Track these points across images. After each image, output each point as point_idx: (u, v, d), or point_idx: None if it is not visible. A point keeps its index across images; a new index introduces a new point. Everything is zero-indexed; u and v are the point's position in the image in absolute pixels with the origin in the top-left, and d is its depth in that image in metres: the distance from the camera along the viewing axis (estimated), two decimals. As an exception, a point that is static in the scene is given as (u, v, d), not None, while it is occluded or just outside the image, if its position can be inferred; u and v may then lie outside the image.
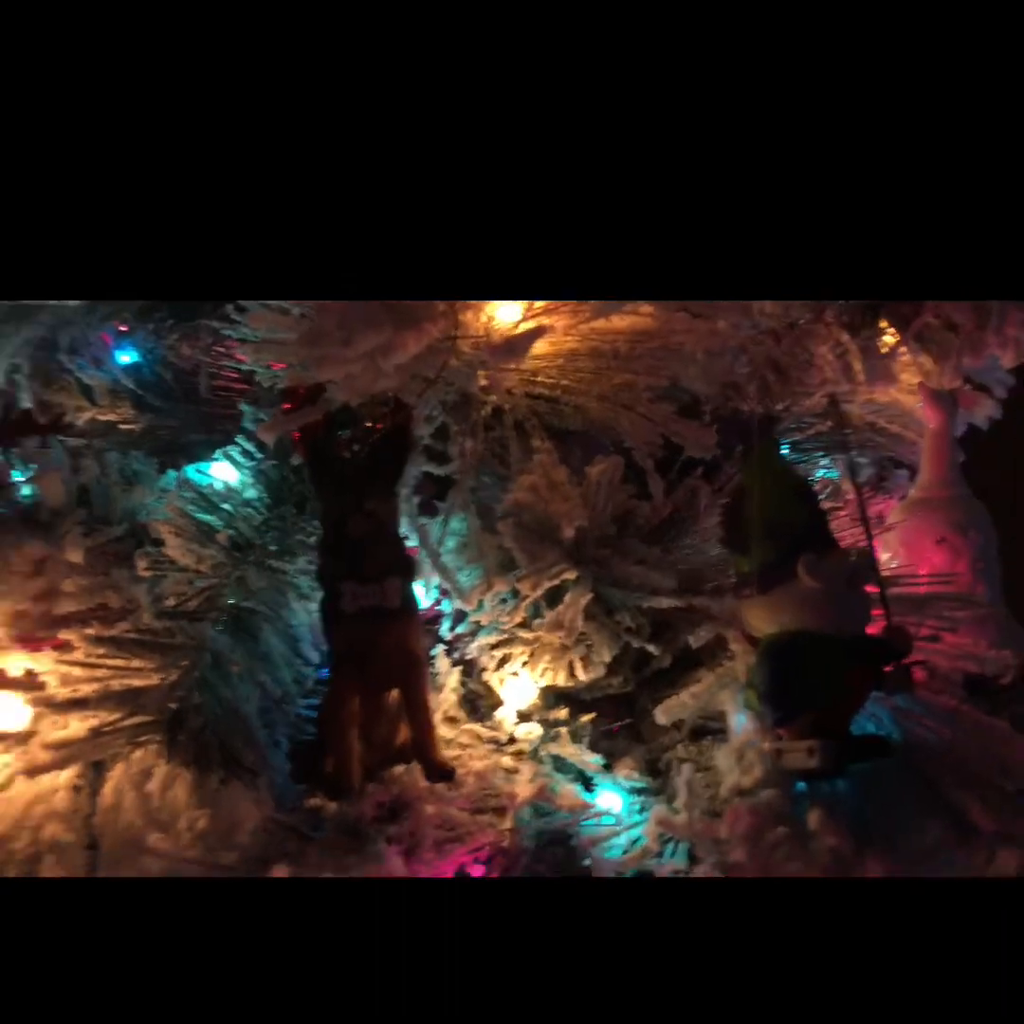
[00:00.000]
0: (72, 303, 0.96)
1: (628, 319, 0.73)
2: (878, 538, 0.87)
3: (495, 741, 0.78)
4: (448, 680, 0.80)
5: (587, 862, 0.72)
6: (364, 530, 0.67)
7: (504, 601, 0.77)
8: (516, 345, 0.67)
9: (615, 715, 0.83)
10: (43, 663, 0.70)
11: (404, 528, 0.74)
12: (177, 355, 1.09)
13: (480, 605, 0.76)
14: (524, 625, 0.76)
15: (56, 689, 0.67)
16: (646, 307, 0.72)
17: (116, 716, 0.67)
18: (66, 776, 0.67)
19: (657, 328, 0.72)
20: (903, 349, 0.93)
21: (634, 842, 0.73)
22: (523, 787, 0.71)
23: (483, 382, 0.74)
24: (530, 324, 0.73)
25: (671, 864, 0.69)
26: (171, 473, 0.88)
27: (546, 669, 0.77)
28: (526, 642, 0.78)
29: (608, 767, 0.78)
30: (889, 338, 0.92)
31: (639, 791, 0.76)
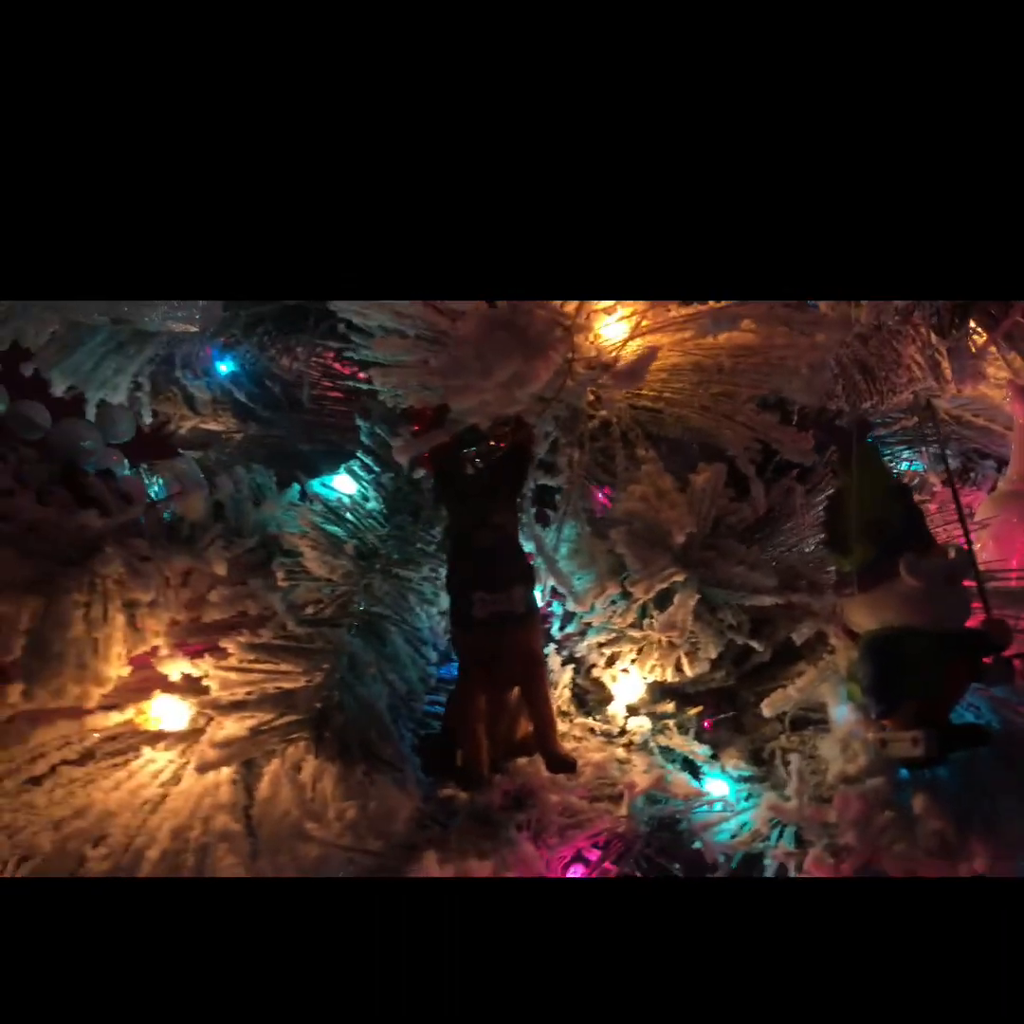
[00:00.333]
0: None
1: (729, 334, 0.77)
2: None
3: (607, 734, 0.84)
4: (561, 677, 0.85)
5: (697, 845, 0.77)
6: (491, 541, 0.73)
7: (613, 603, 0.82)
8: (638, 370, 0.71)
9: (717, 707, 0.88)
10: (201, 669, 0.77)
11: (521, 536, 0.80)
12: (279, 366, 1.15)
13: (592, 607, 0.81)
14: (633, 625, 0.81)
15: (218, 693, 0.73)
16: (747, 323, 0.75)
17: (270, 716, 0.74)
18: (226, 771, 0.74)
19: (759, 343, 0.76)
20: (992, 348, 0.95)
21: (742, 826, 0.78)
22: (639, 776, 0.76)
23: (590, 397, 0.79)
24: (636, 342, 0.77)
25: (781, 846, 0.73)
26: (296, 487, 0.94)
27: (654, 666, 0.81)
28: (634, 641, 0.83)
29: (714, 757, 0.83)
30: (977, 337, 0.94)
31: (745, 779, 0.81)
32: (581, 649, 0.86)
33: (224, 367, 1.19)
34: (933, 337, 0.97)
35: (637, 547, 0.75)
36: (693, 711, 0.84)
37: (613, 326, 0.79)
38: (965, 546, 0.76)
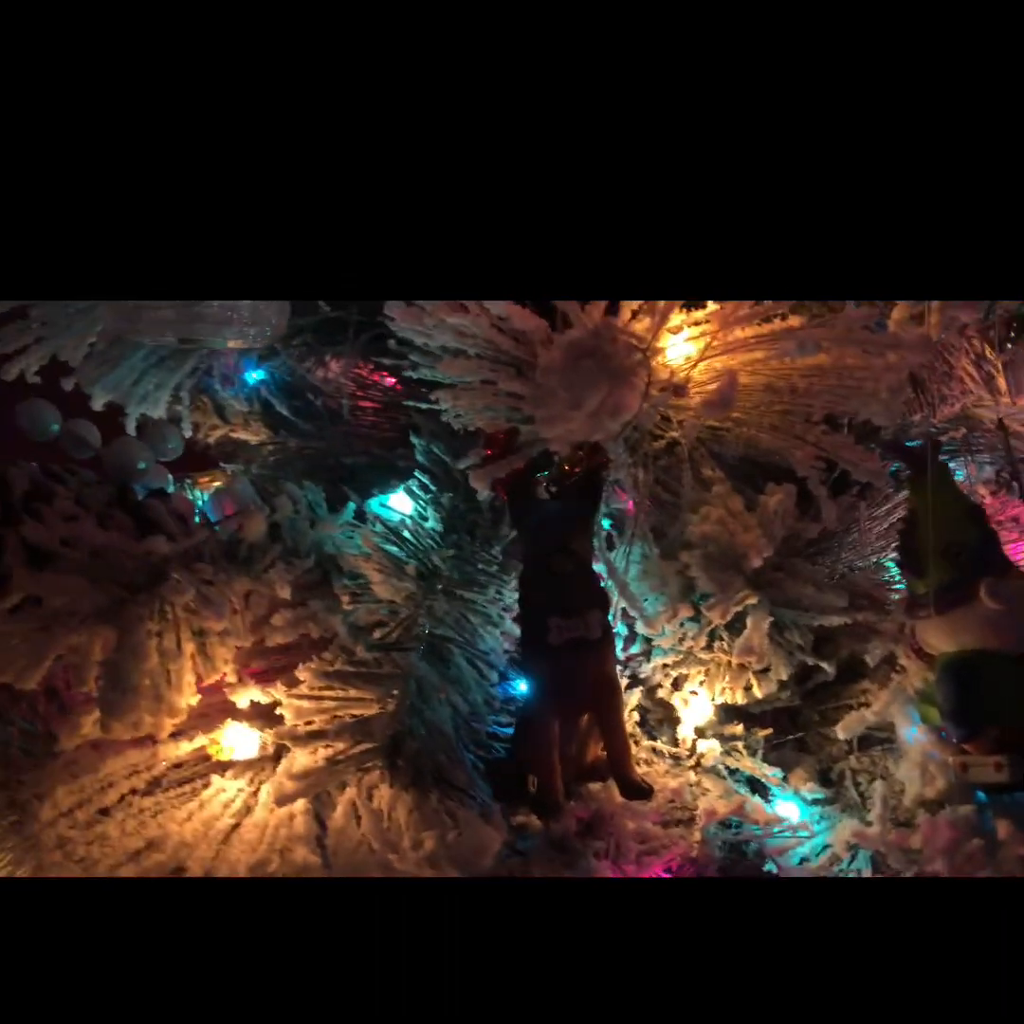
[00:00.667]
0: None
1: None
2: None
3: (675, 757, 0.83)
4: (629, 699, 0.84)
5: (769, 868, 0.77)
6: (567, 567, 0.72)
7: (682, 625, 0.81)
8: (728, 398, 0.70)
9: (780, 728, 0.87)
10: (272, 696, 0.76)
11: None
12: (316, 378, 1.14)
13: (663, 630, 0.81)
14: (704, 647, 0.80)
15: (292, 721, 0.72)
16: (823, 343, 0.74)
17: (345, 745, 0.73)
18: (300, 801, 0.73)
19: (832, 364, 0.75)
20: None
21: (817, 851, 0.77)
22: (716, 802, 0.76)
23: (657, 417, 0.79)
24: (702, 364, 0.77)
25: (857, 873, 0.73)
26: (351, 506, 0.93)
27: (725, 688, 0.81)
28: (702, 663, 0.82)
29: (784, 779, 0.82)
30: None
31: (816, 802, 0.81)
32: (645, 670, 0.85)
33: (257, 377, 1.18)
34: (988, 350, 0.97)
35: (713, 570, 0.75)
36: (762, 732, 0.83)
37: (680, 346, 0.78)
38: (1040, 566, 0.76)
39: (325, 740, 0.72)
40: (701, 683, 0.82)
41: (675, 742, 0.84)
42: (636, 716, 0.84)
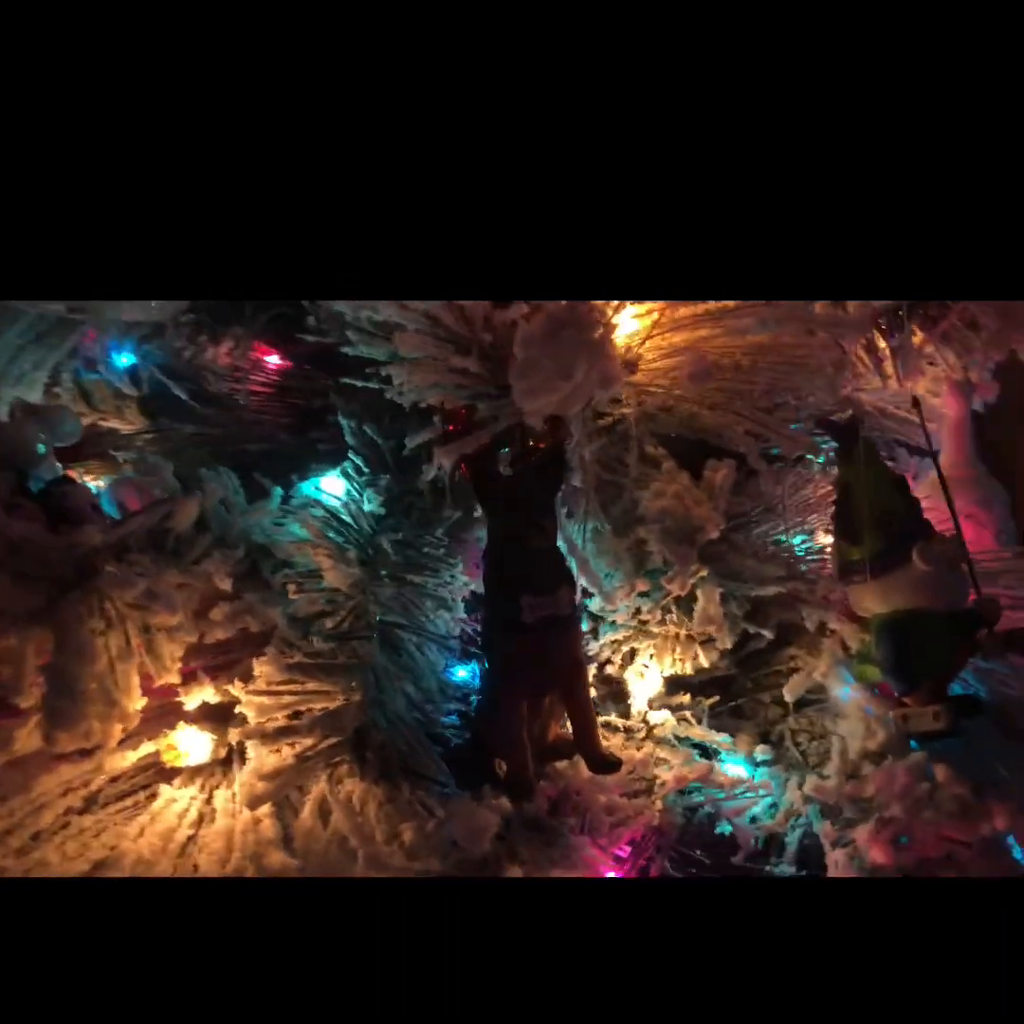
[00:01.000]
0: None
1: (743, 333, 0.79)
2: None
3: (628, 730, 0.84)
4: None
5: (728, 830, 0.79)
6: (540, 544, 0.71)
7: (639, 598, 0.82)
8: (706, 370, 0.71)
9: (718, 696, 0.90)
10: (227, 695, 0.71)
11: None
12: (211, 360, 1.07)
13: (619, 606, 0.81)
14: (658, 622, 0.82)
15: (256, 719, 0.68)
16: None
17: (314, 740, 0.69)
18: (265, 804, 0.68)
19: (773, 342, 0.78)
20: (929, 347, 1.03)
21: (770, 809, 0.81)
22: (682, 769, 0.77)
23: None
24: (649, 342, 0.78)
25: (826, 826, 0.76)
26: (277, 490, 0.88)
27: (676, 660, 0.83)
28: (651, 636, 0.84)
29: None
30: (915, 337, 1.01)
31: (764, 763, 0.84)
32: (594, 648, 0.86)
33: (128, 360, 1.09)
34: (879, 337, 1.04)
35: (671, 544, 0.76)
36: (708, 701, 0.86)
37: (628, 323, 0.79)
38: (953, 531, 0.82)
39: (295, 736, 0.68)
40: (651, 656, 0.84)
41: (625, 715, 0.85)
42: (593, 693, 0.84)
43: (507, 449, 0.76)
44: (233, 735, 0.69)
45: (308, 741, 0.69)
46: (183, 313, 1.01)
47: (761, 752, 0.84)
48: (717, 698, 0.86)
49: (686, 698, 0.86)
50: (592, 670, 0.85)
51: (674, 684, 0.88)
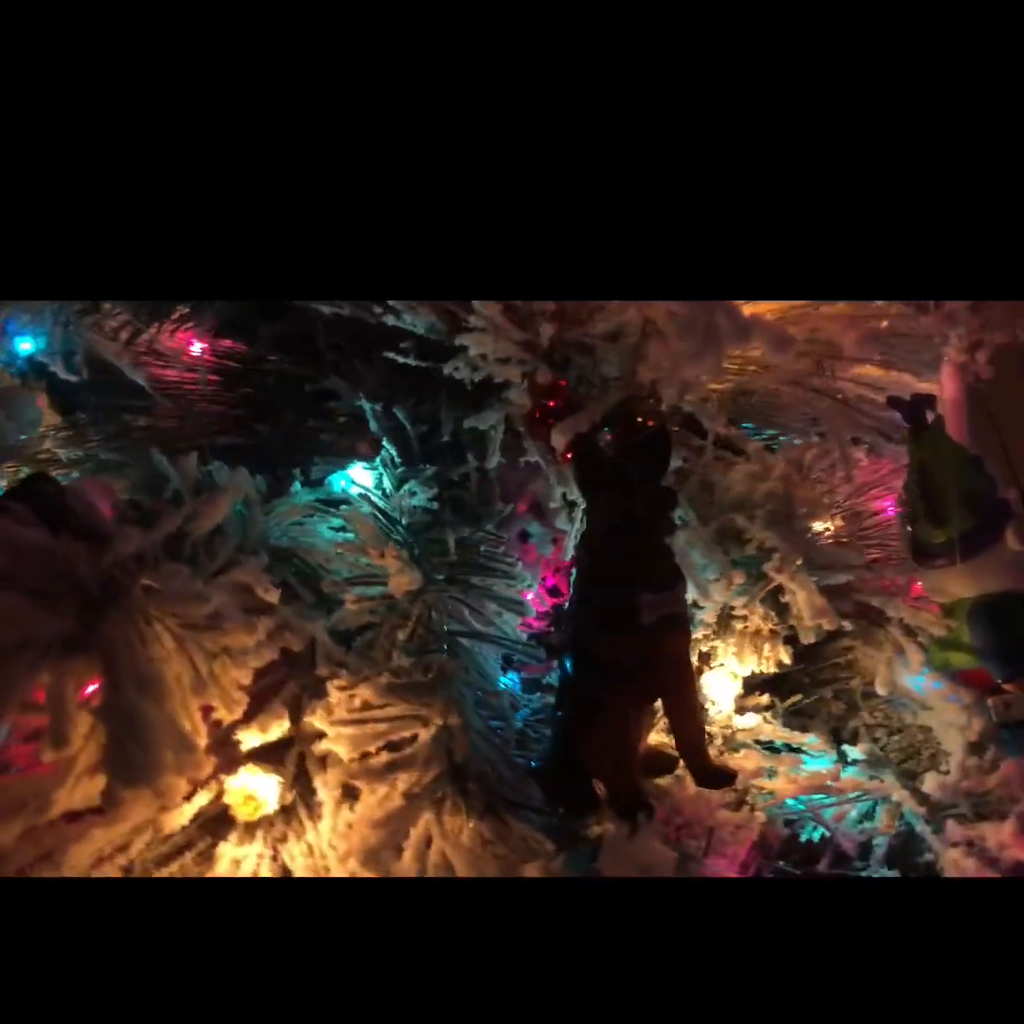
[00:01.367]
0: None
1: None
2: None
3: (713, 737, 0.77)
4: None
5: (828, 835, 0.73)
6: (658, 534, 0.63)
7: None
8: (786, 337, 0.64)
9: (779, 694, 0.84)
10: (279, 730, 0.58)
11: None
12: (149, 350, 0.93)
13: (717, 601, 0.74)
14: (744, 616, 0.75)
15: (349, 754, 0.55)
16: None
17: (417, 773, 0.57)
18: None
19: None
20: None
21: (865, 813, 0.75)
22: (779, 781, 0.71)
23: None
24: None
25: (950, 826, 0.70)
26: (297, 486, 0.75)
27: (763, 658, 0.76)
28: (732, 633, 0.77)
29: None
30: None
31: (856, 762, 0.78)
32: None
33: (33, 346, 0.93)
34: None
35: (779, 530, 0.70)
36: (791, 701, 0.79)
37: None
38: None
39: (401, 770, 0.56)
40: (733, 654, 0.77)
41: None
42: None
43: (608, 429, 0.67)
44: (332, 776, 0.56)
45: (411, 775, 0.57)
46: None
47: (859, 752, 0.78)
48: (799, 696, 0.80)
49: (764, 699, 0.79)
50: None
51: (751, 686, 0.81)
